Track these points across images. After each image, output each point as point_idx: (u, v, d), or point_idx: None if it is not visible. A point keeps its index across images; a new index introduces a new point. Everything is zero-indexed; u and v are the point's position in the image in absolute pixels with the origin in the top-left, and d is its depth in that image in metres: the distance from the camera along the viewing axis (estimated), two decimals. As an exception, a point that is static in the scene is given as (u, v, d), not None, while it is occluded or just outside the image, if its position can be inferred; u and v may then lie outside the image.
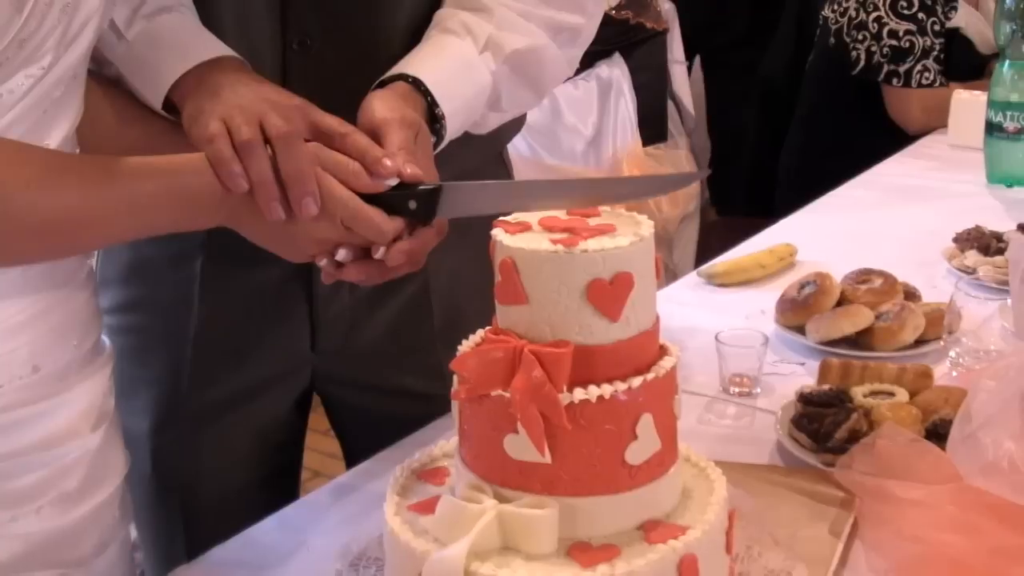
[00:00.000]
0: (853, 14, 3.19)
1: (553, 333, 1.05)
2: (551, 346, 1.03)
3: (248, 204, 1.21)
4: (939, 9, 3.11)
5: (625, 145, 2.97)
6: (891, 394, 1.54)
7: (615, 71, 2.97)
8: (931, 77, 3.12)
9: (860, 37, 3.17)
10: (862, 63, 3.18)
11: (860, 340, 1.78)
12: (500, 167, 1.70)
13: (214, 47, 1.35)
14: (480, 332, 1.13)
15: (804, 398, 1.53)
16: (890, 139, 2.98)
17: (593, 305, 1.04)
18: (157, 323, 1.58)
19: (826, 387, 1.56)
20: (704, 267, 2.13)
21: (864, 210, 2.48)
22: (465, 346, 1.13)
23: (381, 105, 1.30)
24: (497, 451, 1.07)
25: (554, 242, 1.05)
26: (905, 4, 3.10)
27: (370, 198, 1.23)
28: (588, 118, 2.93)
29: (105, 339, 1.34)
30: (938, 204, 2.48)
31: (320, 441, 1.95)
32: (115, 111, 1.37)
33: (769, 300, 1.93)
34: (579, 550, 1.05)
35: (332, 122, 1.26)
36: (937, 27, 3.12)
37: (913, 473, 1.32)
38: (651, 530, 1.07)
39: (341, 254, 1.25)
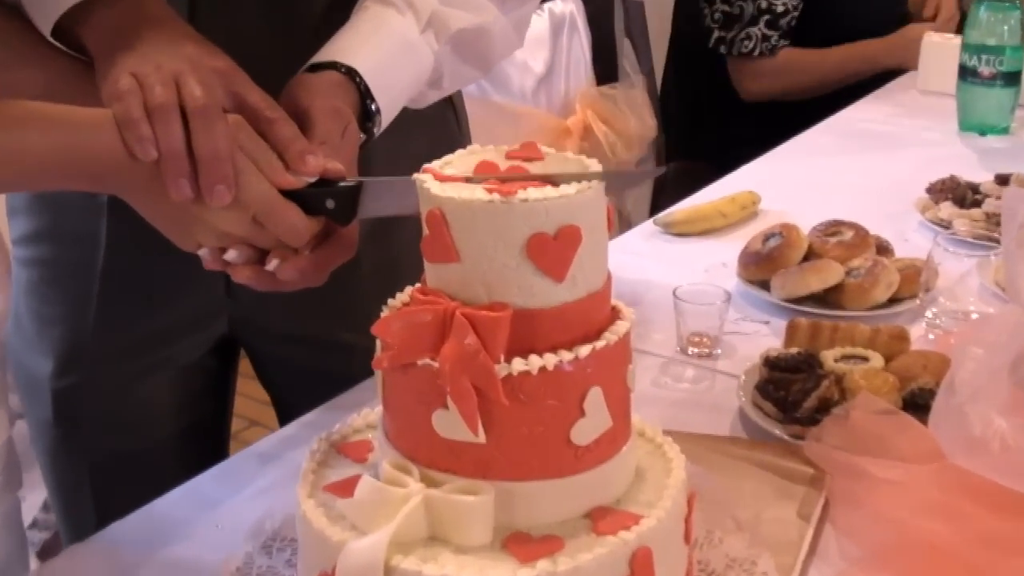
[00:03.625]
0: None
1: (489, 295, 0.93)
2: (486, 309, 0.92)
3: (150, 176, 1.08)
4: None
5: (578, 84, 2.87)
6: (864, 359, 1.43)
7: (568, 5, 2.87)
8: (751, 46, 2.97)
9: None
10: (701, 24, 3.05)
11: (829, 298, 1.68)
12: (448, 110, 1.56)
13: None
14: (408, 290, 1.02)
15: (770, 362, 1.41)
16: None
17: (534, 263, 0.93)
18: (63, 255, 1.48)
19: (794, 350, 1.44)
20: (661, 215, 2.03)
21: (829, 157, 2.39)
22: (389, 307, 1.01)
23: (310, 91, 1.19)
24: (424, 428, 0.96)
25: (489, 191, 0.93)
26: None
27: (284, 194, 1.11)
28: (539, 55, 2.82)
29: None
30: (908, 152, 2.39)
31: (255, 389, 1.84)
32: (9, 44, 1.22)
33: (731, 252, 1.83)
34: (517, 542, 0.94)
35: (258, 100, 1.13)
36: None
37: (890, 449, 1.21)
38: (599, 519, 0.97)
39: (231, 255, 1.12)
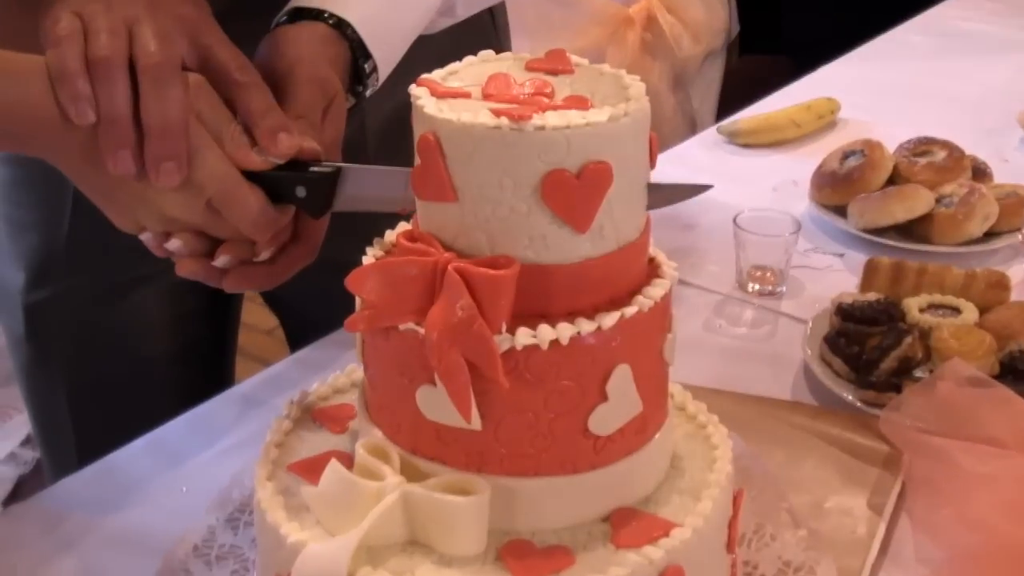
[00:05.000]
0: None
1: (491, 245, 0.77)
2: (487, 264, 0.75)
3: (86, 142, 0.91)
4: None
5: (643, -34, 2.65)
6: (955, 309, 1.22)
7: None
8: None
9: None
10: None
11: (915, 229, 1.48)
12: (483, 11, 1.35)
13: None
14: (398, 228, 0.85)
15: (843, 311, 1.21)
16: None
17: (550, 208, 0.75)
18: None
19: (871, 297, 1.24)
20: (725, 123, 1.85)
21: (921, 60, 2.17)
22: (375, 247, 0.85)
23: (291, 51, 1.01)
24: (408, 406, 0.80)
25: (497, 113, 0.74)
26: None
27: (248, 176, 0.93)
28: (607, -65, 2.61)
29: None
30: (1010, 57, 2.15)
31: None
32: None
33: (804, 169, 1.64)
34: (516, 553, 0.78)
35: (228, 58, 0.95)
36: None
37: (983, 429, 1.02)
38: (621, 526, 0.81)
39: (174, 244, 0.95)
